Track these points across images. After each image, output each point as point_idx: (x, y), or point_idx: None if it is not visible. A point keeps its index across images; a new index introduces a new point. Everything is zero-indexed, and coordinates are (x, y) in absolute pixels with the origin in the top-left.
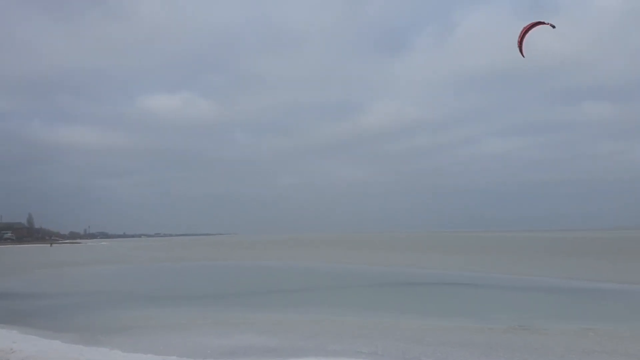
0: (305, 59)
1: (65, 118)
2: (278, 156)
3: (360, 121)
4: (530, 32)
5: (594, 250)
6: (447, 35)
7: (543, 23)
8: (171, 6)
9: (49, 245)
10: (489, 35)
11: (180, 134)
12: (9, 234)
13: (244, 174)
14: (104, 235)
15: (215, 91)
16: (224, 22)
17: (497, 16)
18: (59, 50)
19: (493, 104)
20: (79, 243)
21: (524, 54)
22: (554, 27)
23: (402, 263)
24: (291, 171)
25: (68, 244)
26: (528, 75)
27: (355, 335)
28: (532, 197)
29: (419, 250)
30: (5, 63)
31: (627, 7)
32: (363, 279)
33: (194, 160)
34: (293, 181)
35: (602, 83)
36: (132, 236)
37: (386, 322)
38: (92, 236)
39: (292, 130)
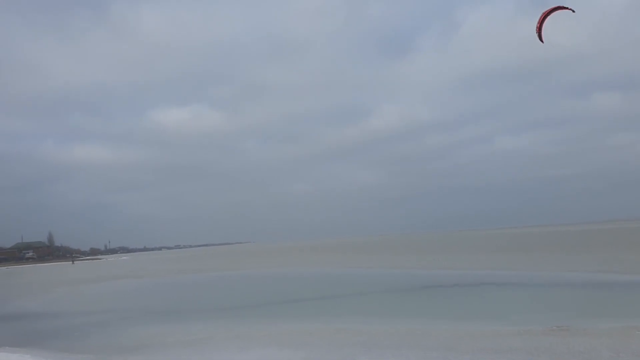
0: (311, 65)
1: (78, 136)
2: (289, 163)
3: (370, 124)
4: (547, 18)
5: (621, 242)
6: (451, 35)
7: (563, 8)
8: (174, 21)
9: (71, 262)
10: (493, 33)
11: (192, 145)
12: (30, 253)
13: (257, 182)
14: (125, 250)
15: (223, 102)
16: (227, 34)
17: (500, 14)
18: (67, 69)
19: (502, 102)
20: (100, 259)
21: (543, 40)
22: (573, 11)
23: (423, 266)
24: (303, 177)
25: (89, 261)
26: (535, 71)
27: (384, 345)
28: (548, 192)
29: (437, 252)
30: (16, 84)
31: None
32: (384, 284)
33: (207, 171)
34: (305, 187)
35: (610, 74)
36: (153, 249)
37: (415, 330)
38: (113, 251)
39: (301, 137)
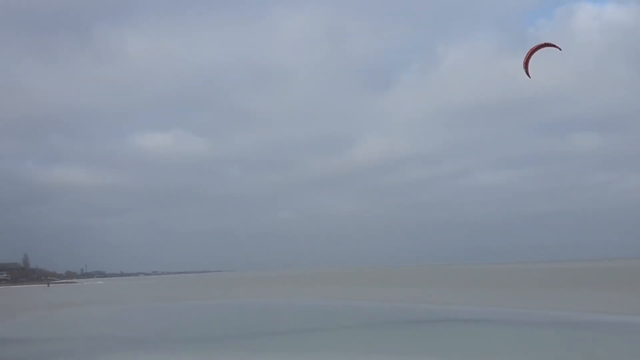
0: (294, 95)
1: (58, 158)
2: (272, 191)
3: (352, 155)
4: (534, 53)
5: (603, 280)
6: (432, 70)
7: (549, 45)
8: (158, 47)
9: (46, 285)
10: (473, 69)
11: (174, 171)
12: (4, 275)
13: (239, 209)
14: (101, 274)
15: (206, 128)
16: (210, 61)
17: (481, 51)
18: (49, 91)
19: (483, 137)
20: (76, 282)
21: (530, 75)
22: (560, 49)
23: (404, 299)
24: (286, 206)
25: (64, 284)
26: (515, 108)
27: None
28: (526, 228)
29: (419, 285)
30: None
31: (609, 40)
32: (366, 317)
33: (188, 197)
34: (288, 216)
35: (589, 115)
36: (130, 275)
37: None
38: (89, 275)
39: (284, 165)
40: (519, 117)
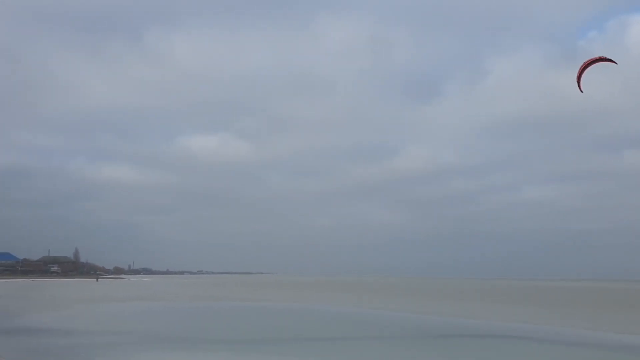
0: (336, 102)
1: (108, 156)
2: (311, 197)
3: (393, 165)
4: (588, 67)
5: None
6: (478, 82)
7: (604, 60)
8: (205, 52)
9: (95, 280)
10: (521, 83)
11: (217, 173)
12: (55, 268)
13: (280, 214)
14: (148, 272)
15: (249, 133)
16: (254, 67)
17: (528, 64)
18: (101, 91)
19: (531, 151)
20: (123, 279)
21: (582, 89)
22: (616, 63)
23: (440, 312)
24: (326, 213)
25: (112, 279)
26: (564, 123)
27: None
28: (573, 245)
29: (456, 299)
30: (50, 103)
31: None
32: (399, 329)
33: (231, 199)
34: (328, 223)
35: None
36: (175, 273)
37: None
38: (136, 272)
39: (325, 172)
40: (569, 132)
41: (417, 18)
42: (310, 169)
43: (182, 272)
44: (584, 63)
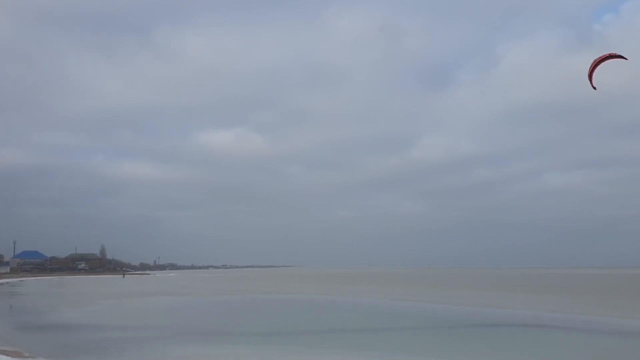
0: (351, 94)
1: (127, 153)
2: (332, 189)
3: (411, 155)
4: (599, 65)
5: None
6: (491, 69)
7: (616, 56)
8: (218, 47)
9: (122, 276)
10: (535, 69)
11: (236, 167)
12: (83, 265)
13: (300, 206)
14: (173, 267)
15: (266, 127)
16: (268, 61)
17: (543, 49)
18: (114, 90)
19: (550, 138)
20: (149, 274)
21: (595, 86)
22: (626, 59)
23: (465, 302)
24: (345, 204)
25: (138, 275)
26: (583, 108)
27: None
28: (597, 233)
29: (480, 288)
30: (67, 102)
31: None
32: (426, 319)
33: (251, 193)
34: (348, 214)
35: None
36: (200, 267)
37: None
38: (162, 267)
39: (343, 164)
40: (589, 117)
41: (428, 6)
42: (328, 162)
43: (207, 267)
44: (594, 61)
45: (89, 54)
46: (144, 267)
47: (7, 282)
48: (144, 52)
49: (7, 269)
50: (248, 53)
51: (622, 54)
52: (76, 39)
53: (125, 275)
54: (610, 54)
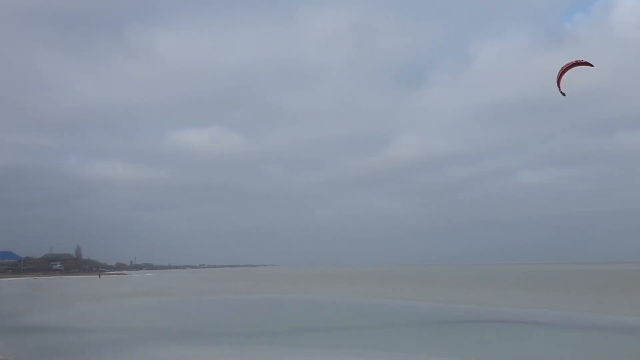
0: (326, 93)
1: (100, 154)
2: (309, 189)
3: (388, 154)
4: (566, 72)
5: None
6: (465, 68)
7: (581, 63)
8: (189, 45)
9: (98, 276)
10: (509, 67)
11: (212, 166)
12: (58, 265)
13: (278, 206)
14: (150, 267)
15: (241, 125)
16: (242, 59)
17: (516, 47)
18: (88, 89)
19: (524, 135)
20: (125, 274)
21: (564, 92)
22: (592, 65)
23: (445, 299)
24: (324, 204)
25: (115, 275)
26: (556, 106)
27: None
28: (571, 229)
29: (459, 285)
30: (38, 104)
31: None
32: (407, 317)
33: (227, 193)
34: (328, 213)
35: (634, 112)
36: (177, 267)
37: None
38: (138, 267)
39: (319, 163)
40: (561, 115)
41: (399, 5)
42: (306, 160)
43: (184, 267)
44: (561, 68)
45: (59, 53)
46: (120, 267)
47: None
48: (117, 52)
49: None
50: (222, 52)
51: (589, 60)
52: (45, 37)
53: (102, 276)
54: (577, 61)
